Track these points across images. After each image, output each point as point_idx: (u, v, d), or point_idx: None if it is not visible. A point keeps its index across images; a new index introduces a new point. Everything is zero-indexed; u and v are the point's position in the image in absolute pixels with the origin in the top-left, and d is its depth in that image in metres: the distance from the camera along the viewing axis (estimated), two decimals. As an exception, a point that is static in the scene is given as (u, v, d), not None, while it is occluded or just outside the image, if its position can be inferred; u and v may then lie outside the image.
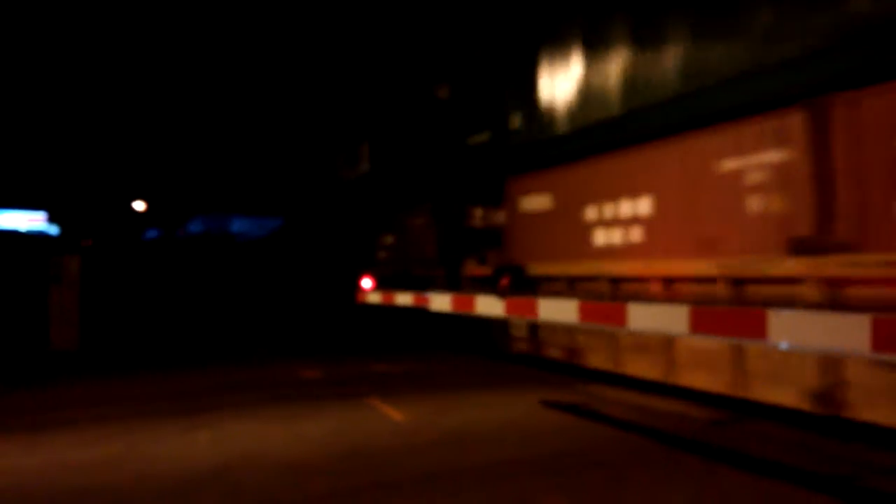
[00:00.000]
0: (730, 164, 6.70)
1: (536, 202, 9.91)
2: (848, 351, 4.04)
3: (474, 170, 11.39)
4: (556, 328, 9.85)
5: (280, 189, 27.48)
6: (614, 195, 8.31)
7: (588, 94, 8.58)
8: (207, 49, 31.01)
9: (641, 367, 8.24)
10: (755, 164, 6.43)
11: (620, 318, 5.79)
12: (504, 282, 9.67)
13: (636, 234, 7.94)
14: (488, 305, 8.07)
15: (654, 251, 7.64)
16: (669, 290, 7.46)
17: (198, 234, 36.26)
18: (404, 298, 11.08)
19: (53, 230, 35.52)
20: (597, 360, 9.08)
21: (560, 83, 9.16)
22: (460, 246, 12.03)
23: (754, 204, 6.44)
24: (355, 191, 17.53)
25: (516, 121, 10.15)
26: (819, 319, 4.01)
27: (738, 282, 6.60)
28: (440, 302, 9.38)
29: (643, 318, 5.42)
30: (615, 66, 8.09)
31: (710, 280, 6.90)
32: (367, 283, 13.96)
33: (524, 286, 9.70)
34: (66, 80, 32.17)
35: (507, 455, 5.80)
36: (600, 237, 8.54)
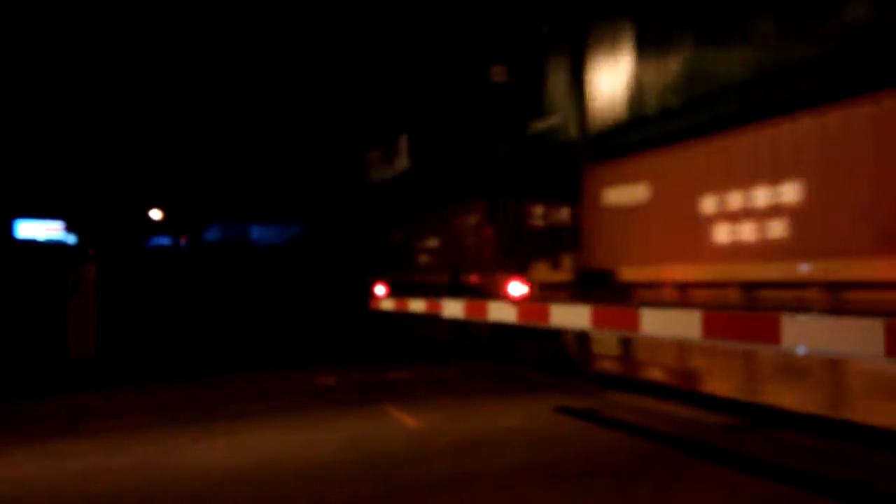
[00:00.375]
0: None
1: (627, 194, 8.30)
2: (862, 355, 4.01)
3: (540, 159, 10.00)
4: (659, 345, 7.90)
5: (300, 195, 27.24)
6: (745, 180, 6.74)
7: (702, 60, 7.10)
8: (224, 55, 31.17)
9: (793, 399, 6.39)
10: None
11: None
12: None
13: (778, 229, 6.41)
14: (501, 311, 7.91)
15: (809, 249, 6.14)
16: (836, 297, 5.90)
17: (215, 242, 36.49)
18: (417, 305, 11.04)
19: (71, 239, 35.88)
20: (723, 386, 7.20)
21: (658, 48, 7.69)
22: (524, 248, 10.78)
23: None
24: (388, 191, 16.23)
25: (596, 99, 8.79)
26: (833, 324, 3.98)
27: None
28: (452, 308, 9.23)
29: (657, 323, 5.38)
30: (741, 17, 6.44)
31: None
32: (380, 289, 13.98)
33: (615, 293, 8.28)
34: (84, 90, 32.52)
35: (521, 461, 5.80)
36: (723, 233, 7.02)
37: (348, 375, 11.22)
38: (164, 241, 37.70)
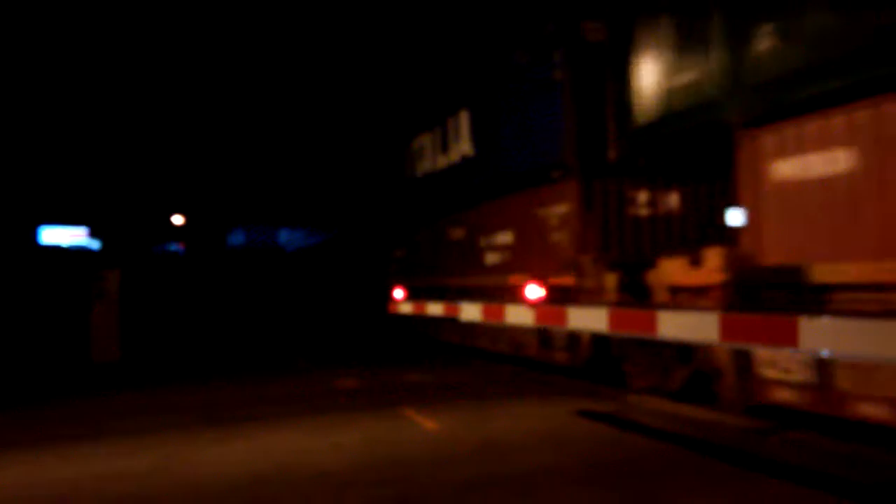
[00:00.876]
0: None
1: (816, 166, 5.95)
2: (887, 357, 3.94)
3: (673, 128, 7.85)
4: (877, 370, 5.40)
5: (328, 199, 26.82)
6: None
7: None
8: (253, 58, 31.23)
9: None
10: None
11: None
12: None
13: None
14: (518, 315, 7.84)
15: None
16: None
17: (239, 246, 36.71)
18: (435, 308, 11.00)
19: (95, 245, 36.34)
20: None
21: None
22: (641, 239, 8.51)
23: None
24: (437, 182, 14.32)
25: (761, 42, 6.49)
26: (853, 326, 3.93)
27: None
28: (470, 311, 9.13)
29: (673, 326, 5.34)
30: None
31: None
32: (398, 293, 14.00)
33: (803, 299, 6.03)
34: (108, 97, 32.91)
35: (541, 464, 5.79)
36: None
37: (368, 378, 11.27)
38: (175, 247, 37.98)
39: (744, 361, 6.87)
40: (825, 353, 4.36)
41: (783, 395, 6.44)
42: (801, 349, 4.30)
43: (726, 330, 4.79)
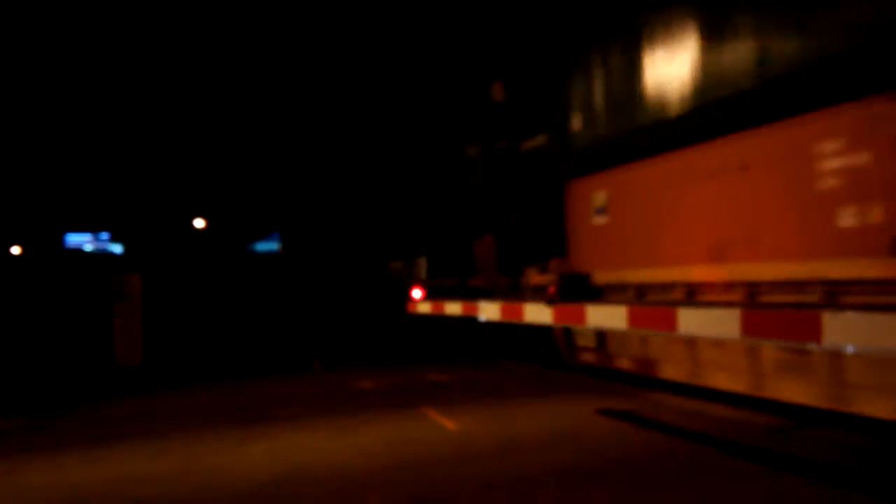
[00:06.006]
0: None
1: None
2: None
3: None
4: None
5: (353, 201, 26.21)
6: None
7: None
8: (277, 63, 31.27)
9: None
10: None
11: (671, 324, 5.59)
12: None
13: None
14: (537, 314, 7.93)
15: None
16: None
17: (262, 250, 36.80)
18: (453, 307, 11.06)
19: (117, 249, 36.80)
20: None
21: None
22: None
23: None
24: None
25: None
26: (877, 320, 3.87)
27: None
28: (489, 310, 9.29)
29: (694, 322, 5.30)
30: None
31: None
32: (417, 293, 14.02)
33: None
34: (131, 102, 33.28)
35: (563, 464, 5.74)
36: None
37: (387, 378, 11.28)
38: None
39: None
40: (850, 348, 4.29)
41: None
42: (824, 345, 4.23)
43: (748, 325, 4.74)
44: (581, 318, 6.84)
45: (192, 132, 34.98)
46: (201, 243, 39.11)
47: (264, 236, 38.86)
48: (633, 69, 8.38)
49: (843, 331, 4.02)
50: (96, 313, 15.35)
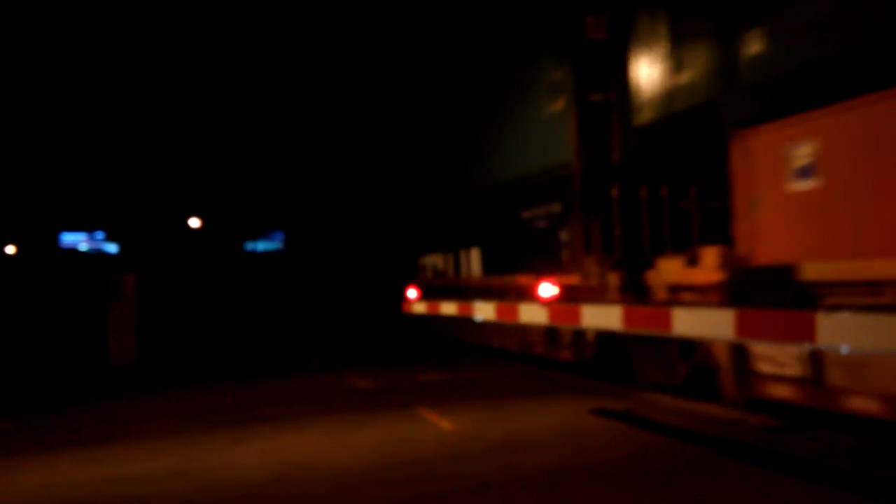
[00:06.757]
0: None
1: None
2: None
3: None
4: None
5: (349, 202, 25.87)
6: None
7: None
8: (272, 62, 31.08)
9: None
10: None
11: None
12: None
13: None
14: (532, 314, 7.76)
15: None
16: None
17: (258, 250, 36.69)
18: (448, 308, 10.95)
19: (112, 248, 36.70)
20: None
21: None
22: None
23: None
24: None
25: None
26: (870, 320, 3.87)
27: None
28: (484, 311, 9.06)
29: (688, 323, 5.28)
30: None
31: None
32: (412, 293, 14.00)
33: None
34: (125, 101, 33.18)
35: (558, 464, 5.76)
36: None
37: (383, 378, 11.28)
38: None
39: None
40: (844, 348, 4.28)
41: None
42: (818, 345, 4.23)
43: (743, 326, 4.72)
44: (576, 318, 6.79)
45: (188, 131, 34.89)
46: (197, 243, 38.99)
47: (262, 235, 38.79)
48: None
49: (839, 331, 4.02)
50: (91, 313, 15.31)
